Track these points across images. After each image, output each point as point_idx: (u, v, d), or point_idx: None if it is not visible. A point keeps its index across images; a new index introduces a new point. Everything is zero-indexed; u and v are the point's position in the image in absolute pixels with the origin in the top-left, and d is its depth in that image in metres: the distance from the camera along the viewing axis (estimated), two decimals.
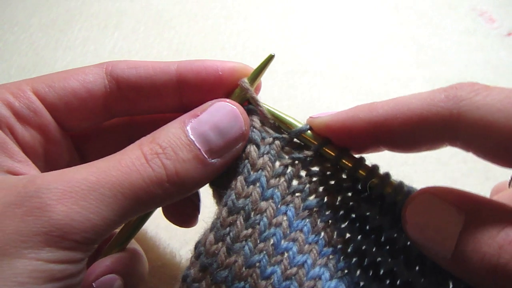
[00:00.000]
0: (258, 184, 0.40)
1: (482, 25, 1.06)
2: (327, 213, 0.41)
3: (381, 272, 0.40)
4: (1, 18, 1.00)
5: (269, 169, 0.41)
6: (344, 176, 0.42)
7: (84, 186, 0.34)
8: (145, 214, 0.47)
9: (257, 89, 0.47)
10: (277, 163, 0.43)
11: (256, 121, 0.43)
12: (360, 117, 0.39)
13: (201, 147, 0.39)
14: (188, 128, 0.40)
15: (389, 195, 0.39)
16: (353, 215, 0.41)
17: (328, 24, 1.05)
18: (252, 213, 0.39)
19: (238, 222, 0.39)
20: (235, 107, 0.42)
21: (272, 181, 0.41)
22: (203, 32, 1.00)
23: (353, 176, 0.41)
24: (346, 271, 0.40)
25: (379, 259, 0.40)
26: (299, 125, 0.43)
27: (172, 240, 0.49)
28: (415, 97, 0.37)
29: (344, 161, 0.41)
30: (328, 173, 0.42)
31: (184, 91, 0.45)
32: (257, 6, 1.08)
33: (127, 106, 0.46)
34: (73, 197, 0.33)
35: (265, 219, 0.39)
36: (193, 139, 0.39)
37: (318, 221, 0.41)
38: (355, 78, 0.92)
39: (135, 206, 0.36)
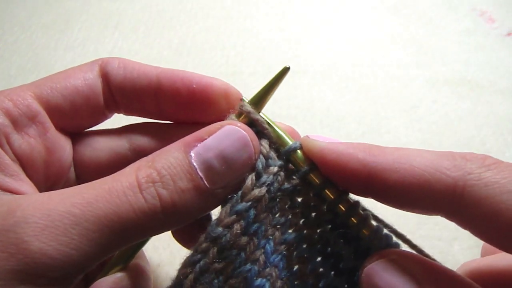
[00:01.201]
0: (244, 216, 0.37)
1: (482, 25, 1.06)
2: (303, 246, 0.39)
3: None
4: (1, 18, 1.00)
5: (264, 203, 0.38)
6: (325, 209, 0.39)
7: (66, 220, 0.32)
8: None
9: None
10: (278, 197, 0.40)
11: (265, 146, 0.40)
12: (358, 158, 0.35)
13: (204, 176, 0.36)
14: (192, 153, 0.36)
15: (365, 238, 0.37)
16: (329, 249, 0.39)
17: (328, 24, 1.05)
18: (228, 246, 0.36)
19: (210, 252, 0.36)
20: (246, 134, 0.38)
21: (262, 216, 0.38)
22: (203, 32, 1.00)
23: (334, 210, 0.39)
24: None
25: None
26: (290, 142, 0.40)
27: (172, 240, 0.49)
28: (421, 155, 0.34)
29: (327, 191, 0.38)
30: (311, 204, 0.40)
31: (161, 99, 0.43)
32: (257, 6, 1.08)
33: (115, 105, 0.45)
34: (52, 233, 0.31)
35: (243, 255, 0.37)
36: (196, 166, 0.36)
37: (294, 254, 0.39)
38: (355, 78, 0.92)
39: (123, 239, 0.34)
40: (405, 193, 0.34)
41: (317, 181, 0.38)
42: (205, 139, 0.37)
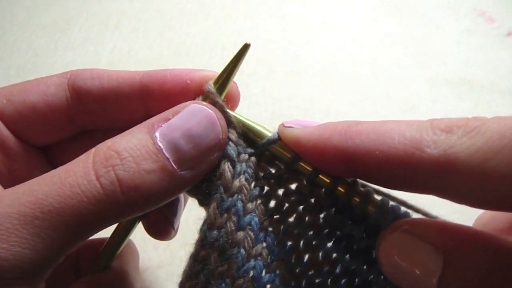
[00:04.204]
0: (233, 211, 0.35)
1: (482, 25, 1.06)
2: (310, 233, 0.37)
3: None
4: (1, 18, 1.00)
5: (246, 192, 0.36)
6: (323, 194, 0.38)
7: (15, 221, 0.31)
8: (127, 230, 0.43)
9: (233, 98, 0.42)
10: (253, 183, 0.38)
11: (233, 133, 0.38)
12: (333, 143, 0.33)
13: (170, 156, 0.34)
14: (157, 133, 0.35)
15: (372, 215, 0.35)
16: (338, 233, 0.37)
17: (328, 24, 1.05)
18: (228, 246, 0.35)
19: (212, 257, 0.35)
20: (212, 112, 0.37)
21: (250, 206, 0.36)
22: (203, 32, 1.00)
23: (333, 194, 0.37)
24: None
25: (371, 277, 0.37)
26: (269, 134, 0.38)
27: (172, 240, 0.49)
28: (399, 131, 0.32)
29: (321, 176, 0.36)
30: (308, 190, 0.38)
31: (149, 103, 0.41)
32: (257, 6, 1.08)
33: (92, 119, 0.43)
34: (3, 235, 0.30)
35: (242, 251, 0.35)
36: (162, 146, 0.34)
37: (301, 243, 0.37)
38: (355, 78, 0.92)
39: (83, 231, 0.33)
40: (388, 175, 0.32)
41: (308, 168, 0.37)
42: (170, 118, 0.35)
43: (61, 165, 0.44)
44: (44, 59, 0.92)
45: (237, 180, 0.36)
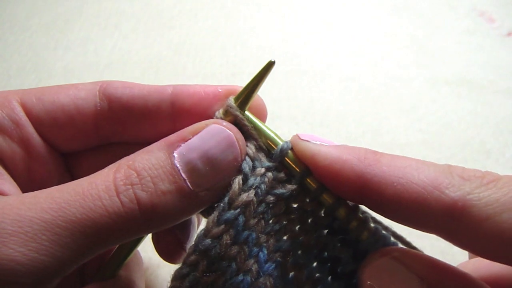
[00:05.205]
0: (233, 224, 0.35)
1: (482, 25, 1.06)
2: (299, 252, 0.37)
3: None
4: (1, 18, 1.00)
5: (251, 208, 0.36)
6: (322, 214, 0.38)
7: (36, 226, 0.31)
8: (137, 240, 0.43)
9: (261, 111, 0.41)
10: (262, 198, 0.37)
11: (251, 147, 0.38)
12: (353, 167, 0.33)
13: (187, 177, 0.34)
14: (175, 153, 0.35)
15: (364, 241, 0.36)
16: (326, 254, 0.38)
17: (328, 24, 1.05)
18: (219, 258, 0.34)
19: (200, 265, 0.34)
20: (232, 134, 0.36)
21: (252, 222, 0.36)
22: (203, 32, 1.00)
23: (332, 215, 0.37)
24: None
25: None
26: (281, 143, 0.38)
27: None
28: (419, 170, 0.32)
29: (325, 196, 0.36)
30: (308, 209, 0.38)
31: (178, 116, 0.41)
32: (257, 6, 1.08)
33: (118, 129, 0.43)
34: (22, 239, 0.31)
35: (233, 265, 0.35)
36: (179, 167, 0.34)
37: (289, 261, 0.37)
38: (355, 78, 0.92)
39: (99, 243, 0.33)
40: (401, 208, 0.32)
41: (314, 185, 0.37)
42: (189, 139, 0.35)
43: (79, 174, 0.44)
44: (44, 59, 0.92)
45: (245, 194, 0.36)
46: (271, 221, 0.37)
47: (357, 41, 1.01)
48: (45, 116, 0.41)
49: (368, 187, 0.33)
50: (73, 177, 0.45)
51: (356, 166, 0.33)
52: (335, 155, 0.35)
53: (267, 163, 0.38)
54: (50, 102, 0.41)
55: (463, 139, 0.80)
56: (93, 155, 0.45)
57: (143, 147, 0.37)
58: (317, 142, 0.36)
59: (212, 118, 0.39)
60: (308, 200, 0.38)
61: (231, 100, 0.39)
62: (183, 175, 0.34)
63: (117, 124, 0.43)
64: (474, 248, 0.32)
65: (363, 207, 0.37)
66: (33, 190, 0.41)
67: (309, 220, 0.38)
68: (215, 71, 0.90)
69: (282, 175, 0.38)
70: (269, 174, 0.37)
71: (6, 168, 0.40)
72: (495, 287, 0.32)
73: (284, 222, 0.37)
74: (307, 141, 0.37)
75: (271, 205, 0.37)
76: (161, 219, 0.34)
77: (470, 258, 0.45)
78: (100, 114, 0.42)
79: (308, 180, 0.37)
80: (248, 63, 0.94)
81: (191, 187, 0.34)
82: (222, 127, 0.36)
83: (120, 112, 0.42)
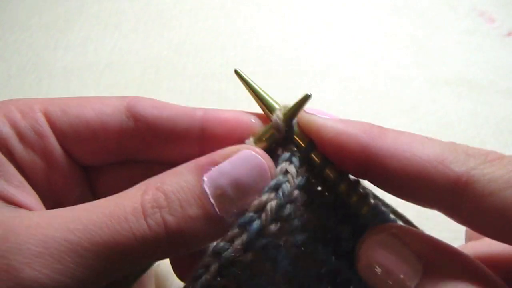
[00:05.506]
0: (246, 229, 0.34)
1: (482, 25, 1.06)
2: (307, 240, 0.37)
3: None
4: (1, 18, 1.00)
5: (270, 212, 0.34)
6: (326, 194, 0.38)
7: (62, 248, 0.30)
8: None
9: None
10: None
11: (291, 170, 0.35)
12: (358, 139, 0.34)
13: (215, 203, 0.33)
14: (205, 178, 0.34)
15: (363, 217, 0.36)
16: (329, 236, 0.38)
17: (328, 24, 1.05)
18: (230, 263, 0.34)
19: (212, 267, 0.34)
20: (264, 161, 0.35)
21: (272, 227, 0.34)
22: (203, 32, 1.00)
23: (334, 191, 0.37)
24: None
25: (351, 277, 0.37)
26: (276, 106, 0.38)
27: None
28: (424, 144, 0.33)
29: (328, 171, 0.37)
30: (314, 190, 0.37)
31: (207, 141, 0.41)
32: (257, 6, 1.08)
33: (143, 148, 0.42)
34: (47, 260, 0.30)
35: (247, 271, 0.34)
36: (208, 192, 0.34)
37: (300, 251, 0.37)
38: (355, 78, 0.92)
39: (122, 266, 0.33)
40: (404, 182, 0.33)
41: (318, 160, 0.37)
42: (220, 163, 0.34)
43: (99, 188, 0.44)
44: (44, 59, 0.92)
45: (265, 196, 0.34)
46: (293, 219, 0.36)
47: (357, 41, 1.01)
48: (69, 129, 0.40)
49: (372, 159, 0.33)
50: (93, 191, 0.45)
51: (362, 138, 0.34)
52: (341, 128, 0.35)
53: (285, 155, 0.36)
54: (75, 116, 0.40)
55: (463, 139, 0.79)
56: (115, 169, 0.45)
57: (168, 167, 0.36)
58: (323, 116, 0.37)
59: (243, 143, 0.38)
60: (313, 180, 0.37)
61: (279, 117, 0.38)
62: (212, 200, 0.34)
63: (142, 144, 0.42)
64: (476, 224, 0.32)
65: (365, 183, 0.37)
66: (52, 202, 0.41)
67: (316, 203, 0.37)
68: (215, 71, 0.90)
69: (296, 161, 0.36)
70: (291, 168, 0.36)
71: (27, 179, 0.39)
72: (491, 269, 0.32)
73: (303, 215, 0.36)
74: (313, 114, 0.37)
75: (295, 202, 0.36)
76: (186, 243, 0.34)
77: (466, 242, 0.45)
78: (125, 132, 0.41)
79: (313, 155, 0.37)
80: (248, 63, 0.94)
81: (219, 213, 0.34)
82: (255, 154, 0.35)
83: (146, 132, 0.41)
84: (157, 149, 0.42)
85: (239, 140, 0.39)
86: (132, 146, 0.42)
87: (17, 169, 0.38)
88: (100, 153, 0.42)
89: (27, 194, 0.38)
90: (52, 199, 0.41)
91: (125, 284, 0.42)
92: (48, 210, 0.35)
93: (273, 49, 0.97)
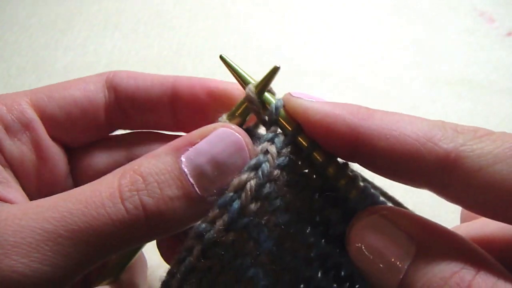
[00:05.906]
0: (227, 210, 0.33)
1: (482, 25, 1.06)
2: (295, 222, 0.36)
3: (342, 274, 0.38)
4: (1, 18, 1.00)
5: (249, 192, 0.34)
6: (314, 176, 0.37)
7: (39, 237, 0.31)
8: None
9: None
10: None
11: (272, 150, 0.35)
12: (345, 120, 0.33)
13: (195, 182, 0.33)
14: (182, 158, 0.34)
15: (353, 199, 0.35)
16: (317, 218, 0.37)
17: (328, 24, 1.05)
18: (213, 243, 0.33)
19: (195, 250, 0.33)
20: (241, 138, 0.35)
21: (252, 206, 0.34)
22: (203, 32, 1.00)
23: (323, 175, 0.36)
24: (307, 274, 0.37)
25: (341, 261, 0.37)
26: (272, 99, 0.37)
27: None
28: (412, 123, 0.32)
29: (316, 154, 0.36)
30: (299, 172, 0.37)
31: (178, 107, 0.42)
32: (257, 6, 1.08)
33: (124, 119, 0.44)
34: (24, 249, 0.30)
35: (230, 251, 0.34)
36: (187, 172, 0.33)
37: (285, 232, 0.36)
38: (355, 78, 0.92)
39: (103, 252, 0.32)
40: (393, 161, 0.32)
41: (305, 143, 0.36)
42: (197, 142, 0.34)
43: (81, 169, 0.45)
44: (44, 59, 0.92)
45: (244, 176, 0.34)
46: (274, 199, 0.35)
47: (357, 41, 1.01)
48: (58, 112, 0.41)
49: (360, 140, 0.32)
50: (76, 174, 0.45)
51: (349, 119, 0.33)
52: (328, 110, 0.34)
53: (267, 135, 0.36)
54: (61, 98, 0.42)
55: None
56: (95, 148, 0.46)
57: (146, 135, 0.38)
58: (310, 99, 0.36)
59: (211, 118, 0.38)
60: (300, 163, 0.36)
61: (251, 90, 0.38)
62: (191, 180, 0.33)
63: (124, 115, 0.44)
64: (466, 200, 0.31)
65: (353, 166, 0.36)
66: (42, 192, 0.41)
67: (301, 185, 0.37)
68: (215, 71, 0.90)
69: (280, 140, 0.36)
70: (272, 148, 0.35)
71: (16, 172, 0.40)
72: (485, 249, 0.31)
73: (286, 195, 0.36)
74: (299, 98, 0.36)
75: (276, 181, 0.35)
76: (167, 225, 0.34)
77: (462, 222, 0.45)
78: (109, 105, 0.43)
79: (300, 139, 0.36)
80: (248, 63, 0.94)
81: (199, 192, 0.34)
82: (231, 130, 0.35)
83: (126, 103, 0.43)
84: (136, 119, 0.44)
85: (208, 105, 0.41)
86: (117, 117, 0.44)
87: (6, 162, 0.39)
88: (91, 130, 0.44)
89: (11, 189, 0.38)
90: (42, 190, 0.42)
91: (115, 272, 0.42)
92: (27, 202, 0.35)
93: (273, 49, 0.97)
